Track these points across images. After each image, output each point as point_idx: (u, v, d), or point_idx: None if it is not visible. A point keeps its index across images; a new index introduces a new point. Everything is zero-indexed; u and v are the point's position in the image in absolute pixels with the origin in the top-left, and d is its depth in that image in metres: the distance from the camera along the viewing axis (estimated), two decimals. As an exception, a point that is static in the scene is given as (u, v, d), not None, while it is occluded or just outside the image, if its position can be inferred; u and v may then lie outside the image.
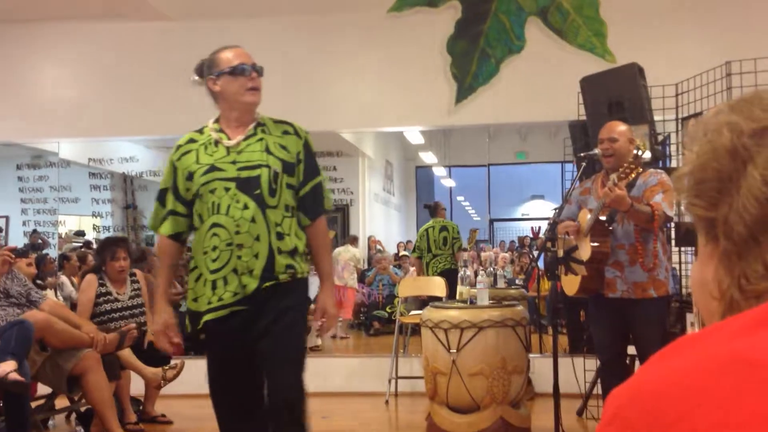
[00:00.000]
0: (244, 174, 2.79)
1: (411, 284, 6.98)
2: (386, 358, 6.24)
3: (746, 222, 0.73)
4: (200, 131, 2.93)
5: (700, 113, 5.04)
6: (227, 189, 2.77)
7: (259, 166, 2.80)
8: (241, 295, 2.74)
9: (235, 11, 6.60)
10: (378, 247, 11.27)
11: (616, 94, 5.04)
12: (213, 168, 2.80)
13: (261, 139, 2.85)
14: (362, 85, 6.57)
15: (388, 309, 9.79)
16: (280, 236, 2.79)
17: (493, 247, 15.34)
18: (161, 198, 2.92)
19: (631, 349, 4.13)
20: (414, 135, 11.88)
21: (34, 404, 4.49)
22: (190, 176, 2.82)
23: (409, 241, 12.85)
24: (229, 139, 2.85)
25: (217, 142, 2.85)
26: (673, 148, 5.42)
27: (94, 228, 7.57)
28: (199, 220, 2.81)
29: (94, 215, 7.64)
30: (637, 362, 4.28)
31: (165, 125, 6.86)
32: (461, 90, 6.28)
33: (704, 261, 0.79)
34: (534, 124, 8.04)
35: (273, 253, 2.77)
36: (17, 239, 7.51)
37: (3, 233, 9.99)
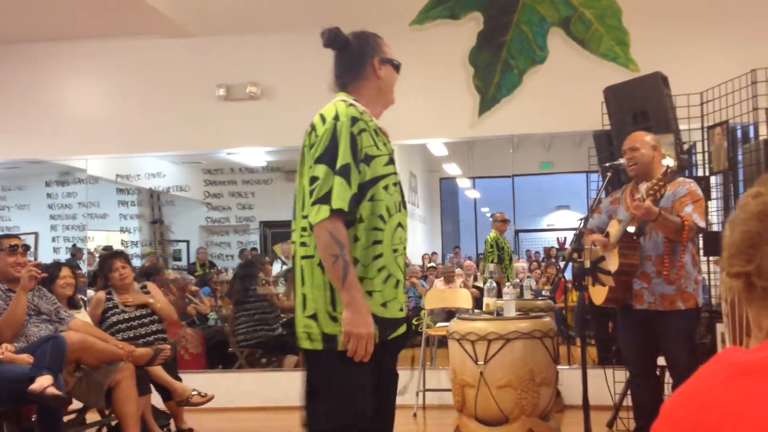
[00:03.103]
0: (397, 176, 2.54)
1: (437, 296, 6.96)
2: (413, 371, 6.23)
3: None
4: (356, 108, 2.47)
5: (726, 122, 5.00)
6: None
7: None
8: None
9: (253, 26, 6.65)
10: (403, 259, 11.25)
11: (641, 104, 5.02)
12: (392, 160, 2.47)
13: None
14: (386, 99, 6.57)
15: (414, 321, 9.76)
16: None
17: (518, 258, 15.23)
18: (346, 174, 2.31)
19: (662, 360, 4.09)
20: (437, 147, 11.85)
21: (65, 419, 4.53)
22: (367, 159, 2.38)
23: (434, 253, 12.82)
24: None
25: (382, 132, 2.52)
26: (699, 157, 5.38)
27: (122, 243, 7.64)
28: (387, 213, 2.40)
29: (122, 230, 7.72)
30: (667, 373, 4.24)
31: (190, 141, 6.95)
32: (484, 101, 6.29)
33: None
34: (558, 134, 8.01)
35: None
36: (46, 255, 7.60)
37: (33, 249, 10.12)
